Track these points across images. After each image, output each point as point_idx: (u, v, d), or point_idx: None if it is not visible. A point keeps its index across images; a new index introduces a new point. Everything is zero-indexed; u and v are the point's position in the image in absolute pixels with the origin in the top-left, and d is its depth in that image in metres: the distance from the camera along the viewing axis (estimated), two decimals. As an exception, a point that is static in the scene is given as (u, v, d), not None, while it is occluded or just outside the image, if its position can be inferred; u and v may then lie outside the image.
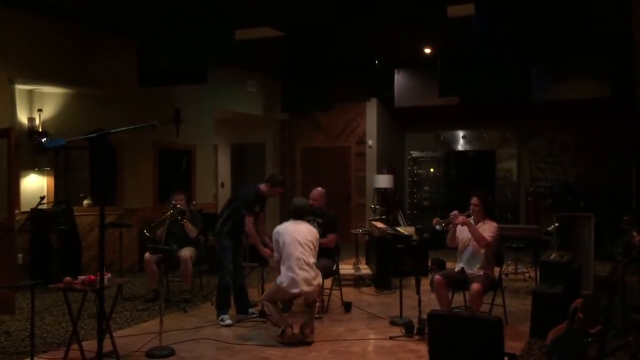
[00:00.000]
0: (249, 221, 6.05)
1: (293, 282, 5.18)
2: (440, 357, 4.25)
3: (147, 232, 7.27)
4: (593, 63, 9.92)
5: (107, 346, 4.43)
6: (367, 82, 11.16)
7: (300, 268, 5.20)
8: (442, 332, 4.23)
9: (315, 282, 5.31)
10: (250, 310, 6.27)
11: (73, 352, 4.53)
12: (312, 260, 5.32)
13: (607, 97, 9.71)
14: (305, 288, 5.20)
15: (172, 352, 4.89)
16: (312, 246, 5.37)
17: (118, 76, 8.40)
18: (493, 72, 6.77)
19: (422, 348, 4.93)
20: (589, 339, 4.28)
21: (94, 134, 3.83)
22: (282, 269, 5.30)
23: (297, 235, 5.33)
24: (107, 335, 4.59)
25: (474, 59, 6.91)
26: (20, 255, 7.55)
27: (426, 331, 4.78)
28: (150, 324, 5.88)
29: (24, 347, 5.03)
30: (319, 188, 6.66)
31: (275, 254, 5.47)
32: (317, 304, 5.71)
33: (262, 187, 6.18)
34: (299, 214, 5.55)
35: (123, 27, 8.24)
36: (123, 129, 4.20)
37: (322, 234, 6.41)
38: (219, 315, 6.04)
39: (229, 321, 5.96)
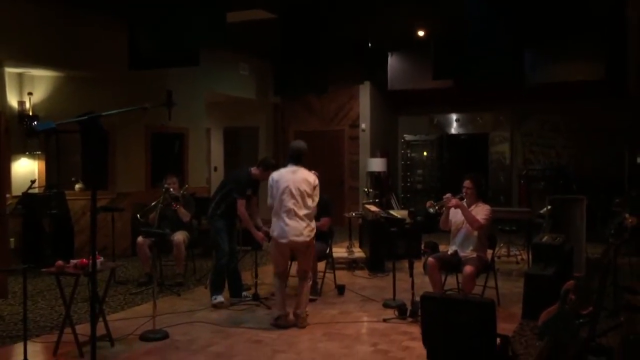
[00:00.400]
0: (240, 205, 6.04)
1: (282, 232, 5.17)
2: (433, 339, 4.27)
3: (140, 216, 7.25)
4: (587, 45, 9.92)
5: (101, 329, 4.44)
6: (360, 65, 11.12)
7: (290, 218, 5.16)
8: (435, 314, 4.24)
9: (306, 233, 5.18)
10: (244, 293, 6.28)
11: (66, 335, 4.52)
12: (304, 211, 5.19)
13: (601, 80, 9.72)
14: (294, 238, 5.15)
15: (165, 335, 4.89)
16: (306, 195, 5.21)
17: (109, 59, 8.32)
18: (487, 55, 6.76)
19: (415, 330, 4.95)
20: (581, 320, 4.31)
21: (85, 117, 3.77)
22: (274, 218, 5.27)
23: (291, 185, 5.21)
24: (101, 319, 4.59)
25: (468, 41, 6.89)
26: (12, 239, 7.52)
27: (419, 313, 4.80)
28: (143, 308, 5.88)
29: (17, 331, 5.02)
30: (313, 171, 6.63)
31: (269, 200, 5.35)
32: (310, 282, 5.63)
33: (254, 170, 6.16)
34: (296, 158, 5.35)
35: (114, 9, 8.13)
36: (114, 111, 4.15)
37: (316, 218, 6.41)
38: (212, 295, 6.07)
39: (220, 298, 5.97)
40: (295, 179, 5.26)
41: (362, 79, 11.69)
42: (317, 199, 5.30)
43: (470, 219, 5.54)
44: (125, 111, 4.24)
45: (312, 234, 5.28)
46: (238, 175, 6.31)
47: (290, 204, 5.17)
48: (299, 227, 5.17)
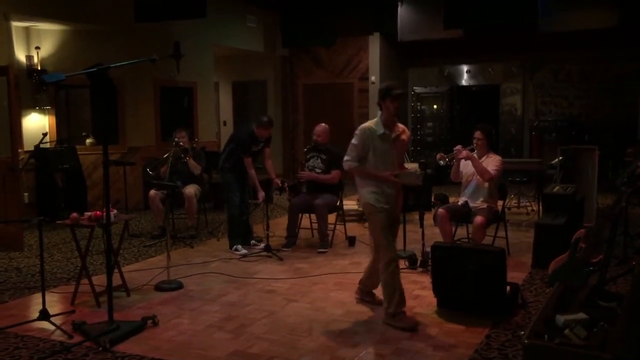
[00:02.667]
0: (247, 163, 6.18)
1: None
2: (444, 288, 4.33)
3: (149, 170, 7.29)
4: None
5: (116, 280, 4.52)
6: (369, 15, 10.90)
7: None
8: (445, 263, 4.29)
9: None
10: (253, 241, 6.40)
11: (83, 286, 4.61)
12: None
13: (614, 27, 9.49)
14: None
15: (180, 285, 4.98)
16: None
17: (115, 11, 8.23)
18: (499, 1, 6.61)
19: (426, 279, 5.01)
20: (591, 268, 4.35)
21: (94, 69, 3.77)
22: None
23: None
24: (116, 270, 4.67)
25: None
26: (26, 194, 7.61)
27: (429, 263, 4.85)
28: (157, 259, 5.97)
29: (34, 282, 5.13)
30: (323, 124, 6.63)
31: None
32: (382, 262, 4.22)
33: (256, 129, 6.23)
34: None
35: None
36: (123, 63, 4.14)
37: (327, 170, 6.44)
38: (231, 246, 6.21)
39: (243, 250, 6.10)
40: None
41: (371, 30, 11.48)
42: (351, 144, 4.29)
43: (480, 170, 5.53)
44: (133, 63, 4.24)
45: (363, 202, 4.30)
46: (240, 134, 6.43)
47: None
48: None
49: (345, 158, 4.30)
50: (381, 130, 4.18)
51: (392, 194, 4.22)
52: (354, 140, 4.24)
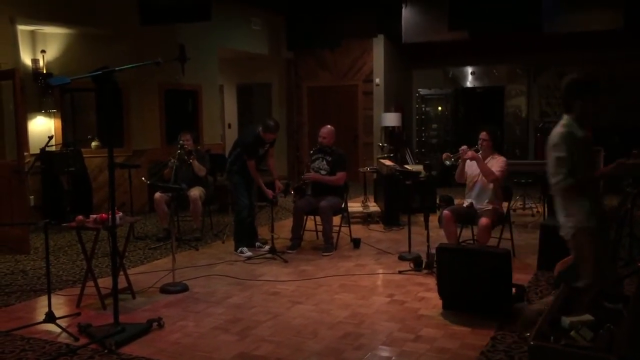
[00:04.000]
0: (250, 166, 6.20)
1: None
2: (449, 289, 4.32)
3: (146, 180, 7.31)
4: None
5: (122, 283, 4.54)
6: (373, 18, 10.91)
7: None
8: (451, 265, 4.28)
9: (563, 222, 3.62)
10: (257, 243, 6.41)
11: (88, 288, 4.62)
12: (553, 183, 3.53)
13: (619, 29, 9.48)
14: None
15: (185, 288, 4.99)
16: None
17: (120, 14, 8.27)
18: (503, 3, 6.60)
19: (431, 281, 5.00)
20: (597, 270, 4.32)
21: (99, 72, 3.78)
22: None
23: None
24: (121, 272, 4.68)
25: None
26: (32, 197, 7.64)
27: (434, 265, 4.84)
28: (162, 262, 5.98)
29: (40, 284, 5.15)
30: (328, 126, 6.63)
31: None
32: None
33: (262, 132, 6.24)
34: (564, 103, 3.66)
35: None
36: (128, 66, 4.16)
37: (331, 172, 6.44)
38: (237, 248, 6.22)
39: (248, 253, 6.11)
40: None
41: (376, 32, 11.50)
42: (554, 159, 3.45)
43: (485, 171, 5.51)
44: (138, 66, 4.25)
45: (571, 226, 3.49)
46: (245, 137, 6.41)
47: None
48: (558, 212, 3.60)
49: (556, 180, 3.45)
50: (581, 133, 3.43)
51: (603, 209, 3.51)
52: (558, 153, 3.42)
